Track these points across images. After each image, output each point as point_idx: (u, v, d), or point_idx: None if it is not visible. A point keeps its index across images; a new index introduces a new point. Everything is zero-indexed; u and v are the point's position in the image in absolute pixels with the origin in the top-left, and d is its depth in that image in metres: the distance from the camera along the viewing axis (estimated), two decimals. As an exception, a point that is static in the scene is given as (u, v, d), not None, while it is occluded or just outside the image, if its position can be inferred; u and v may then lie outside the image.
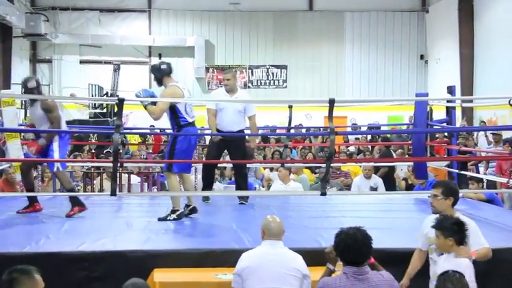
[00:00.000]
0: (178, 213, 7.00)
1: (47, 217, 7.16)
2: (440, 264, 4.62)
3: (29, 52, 25.86)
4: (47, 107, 7.20)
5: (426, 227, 5.03)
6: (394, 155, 13.49)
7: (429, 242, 4.99)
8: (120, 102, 6.79)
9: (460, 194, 8.74)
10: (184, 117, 7.05)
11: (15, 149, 8.49)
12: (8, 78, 23.05)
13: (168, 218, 6.96)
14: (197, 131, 7.51)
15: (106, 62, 25.71)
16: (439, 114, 10.64)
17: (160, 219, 6.98)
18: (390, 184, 11.43)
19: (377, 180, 10.96)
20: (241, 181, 8.55)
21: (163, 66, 7.21)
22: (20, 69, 24.71)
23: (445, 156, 10.08)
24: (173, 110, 7.00)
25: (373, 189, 10.56)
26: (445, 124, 9.44)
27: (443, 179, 7.06)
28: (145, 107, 6.95)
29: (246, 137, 8.92)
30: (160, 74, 7.17)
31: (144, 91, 7.02)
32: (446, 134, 10.47)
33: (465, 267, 4.47)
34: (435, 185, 5.25)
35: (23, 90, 7.58)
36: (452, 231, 4.60)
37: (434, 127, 9.82)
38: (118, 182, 7.65)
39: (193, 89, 24.67)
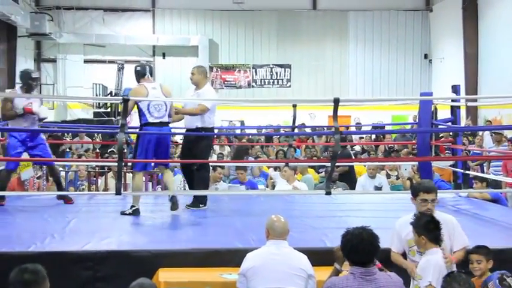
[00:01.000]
0: (134, 209, 7.26)
1: (51, 216, 7.17)
2: (420, 263, 4.69)
3: (33, 51, 25.90)
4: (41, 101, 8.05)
5: (403, 229, 4.99)
6: (352, 155, 13.64)
7: (409, 244, 4.98)
8: (125, 101, 6.88)
9: (465, 194, 8.85)
10: (146, 116, 7.27)
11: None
12: (13, 77, 23.08)
13: (126, 212, 7.27)
14: (159, 131, 7.35)
15: (110, 62, 25.72)
16: (444, 113, 10.62)
17: (121, 213, 7.31)
18: (350, 183, 11.41)
19: (381, 179, 10.94)
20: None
21: (138, 69, 7.55)
22: (24, 68, 24.69)
23: (450, 155, 10.07)
24: (138, 110, 7.32)
25: (378, 188, 10.55)
26: (450, 123, 9.41)
27: (426, 180, 6.96)
28: None
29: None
30: (137, 76, 7.52)
31: (125, 89, 7.39)
32: (451, 133, 10.45)
33: (432, 265, 4.51)
34: (430, 189, 5.05)
35: (25, 81, 7.91)
36: (426, 229, 4.63)
37: (439, 126, 9.80)
38: (123, 181, 7.66)
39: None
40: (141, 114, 7.32)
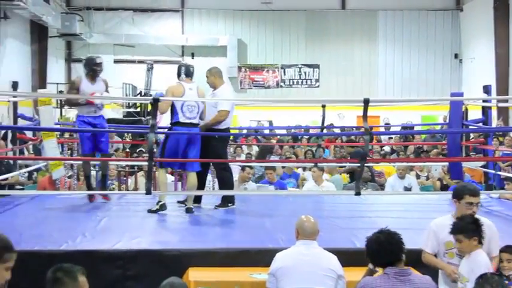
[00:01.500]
0: (161, 203, 7.34)
1: (82, 215, 7.25)
2: (463, 266, 4.57)
3: (64, 52, 26.22)
4: (107, 84, 8.20)
5: (441, 231, 4.88)
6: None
7: (447, 247, 4.87)
8: (155, 101, 6.92)
9: (497, 195, 8.76)
10: (178, 115, 7.35)
11: (52, 147, 8.64)
12: (44, 77, 23.41)
13: (153, 209, 7.35)
14: (188, 131, 7.42)
15: (139, 62, 25.88)
16: (475, 114, 10.51)
17: (148, 211, 7.36)
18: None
19: (411, 180, 10.87)
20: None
21: (181, 68, 7.61)
22: (55, 68, 25.06)
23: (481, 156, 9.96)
24: (172, 107, 7.39)
25: (407, 189, 10.47)
26: (480, 124, 9.31)
27: (468, 182, 6.88)
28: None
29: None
30: (179, 75, 7.57)
31: (156, 94, 7.57)
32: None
33: (483, 266, 4.41)
34: (476, 193, 5.00)
35: (90, 68, 8.05)
36: (473, 231, 4.56)
37: (470, 127, 9.70)
38: (152, 181, 7.72)
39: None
40: (173, 112, 7.37)
